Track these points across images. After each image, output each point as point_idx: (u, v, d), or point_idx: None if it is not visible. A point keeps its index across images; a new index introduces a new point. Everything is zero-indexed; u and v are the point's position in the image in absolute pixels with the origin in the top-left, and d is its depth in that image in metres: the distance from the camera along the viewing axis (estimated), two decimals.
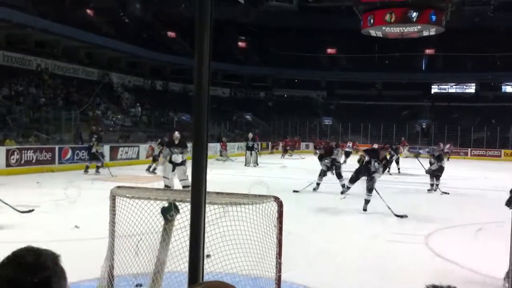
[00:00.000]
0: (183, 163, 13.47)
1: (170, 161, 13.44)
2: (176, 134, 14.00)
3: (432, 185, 16.18)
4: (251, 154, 25.94)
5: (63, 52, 33.84)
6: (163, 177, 13.63)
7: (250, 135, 27.66)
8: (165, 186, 13.25)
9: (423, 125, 47.69)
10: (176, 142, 13.71)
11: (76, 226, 9.19)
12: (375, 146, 20.89)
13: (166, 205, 3.67)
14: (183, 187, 12.84)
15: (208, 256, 3.83)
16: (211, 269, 3.56)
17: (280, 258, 3.84)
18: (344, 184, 14.38)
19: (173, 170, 13.43)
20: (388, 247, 8.18)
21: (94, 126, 25.13)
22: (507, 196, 6.86)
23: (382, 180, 16.75)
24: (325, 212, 11.69)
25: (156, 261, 3.71)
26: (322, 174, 15.34)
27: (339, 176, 15.10)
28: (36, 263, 1.26)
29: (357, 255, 7.66)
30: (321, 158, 15.70)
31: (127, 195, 3.98)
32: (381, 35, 37.65)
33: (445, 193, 15.41)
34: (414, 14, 33.32)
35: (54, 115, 24.59)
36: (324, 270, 6.79)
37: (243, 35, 49.74)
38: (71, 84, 31.41)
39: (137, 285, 4.45)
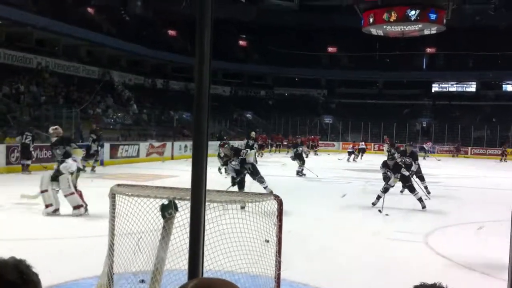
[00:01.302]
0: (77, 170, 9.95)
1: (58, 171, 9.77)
2: (51, 129, 10.34)
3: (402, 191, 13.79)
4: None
5: (63, 50, 33.82)
6: (41, 192, 9.75)
7: (253, 133, 27.57)
8: (49, 210, 9.56)
9: (424, 124, 47.66)
10: (53, 139, 9.99)
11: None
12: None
13: (166, 202, 3.68)
14: (73, 208, 9.52)
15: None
16: (210, 267, 3.57)
17: (279, 256, 3.85)
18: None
19: (54, 179, 9.81)
20: (389, 245, 8.18)
21: (94, 124, 25.17)
22: (507, 194, 6.86)
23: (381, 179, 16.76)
24: (325, 210, 11.69)
25: (156, 258, 3.72)
26: (239, 184, 12.01)
27: (262, 180, 12.24)
28: (22, 278, 1.19)
29: (357, 253, 7.66)
30: (226, 162, 12.84)
31: (127, 193, 3.99)
32: (381, 34, 37.57)
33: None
34: (415, 13, 33.27)
35: (55, 113, 24.58)
36: (324, 268, 6.79)
37: (243, 33, 49.70)
38: (72, 82, 31.41)
39: (140, 281, 4.46)
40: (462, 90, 52.07)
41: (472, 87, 51.62)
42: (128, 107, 33.26)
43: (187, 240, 2.42)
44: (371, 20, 34.93)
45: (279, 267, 3.88)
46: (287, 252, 4.09)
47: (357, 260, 7.26)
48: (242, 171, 12.04)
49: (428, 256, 7.60)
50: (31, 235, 7.97)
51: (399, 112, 46.48)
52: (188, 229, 2.41)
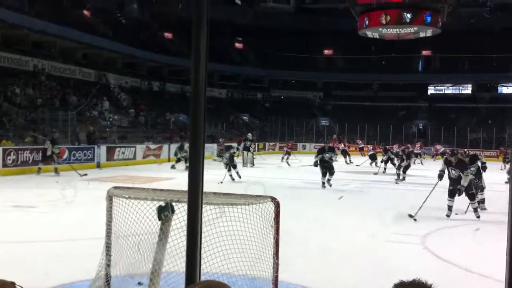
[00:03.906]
0: None
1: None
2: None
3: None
4: (247, 154, 25.94)
5: (60, 53, 33.76)
6: None
7: (249, 135, 27.64)
8: None
9: (420, 126, 47.74)
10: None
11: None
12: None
13: (163, 204, 3.68)
14: None
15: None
16: (208, 270, 3.57)
17: (277, 258, 3.85)
18: None
19: None
20: (386, 247, 8.19)
21: (91, 126, 25.15)
22: (504, 196, 6.88)
23: (379, 181, 16.83)
24: (322, 212, 11.70)
25: (153, 261, 3.71)
26: None
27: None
28: None
29: (355, 256, 7.67)
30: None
31: (124, 195, 3.98)
32: (377, 36, 37.65)
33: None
34: (410, 16, 33.37)
35: (51, 116, 24.54)
36: (322, 270, 6.80)
37: (240, 36, 49.67)
38: (68, 85, 31.35)
39: (138, 283, 4.46)
40: (458, 92, 52.19)
41: (467, 89, 51.74)
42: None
43: (185, 242, 2.42)
44: (367, 22, 35.01)
45: (277, 269, 3.88)
46: (284, 254, 4.09)
47: (354, 262, 7.27)
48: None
49: (426, 258, 7.61)
50: (28, 238, 7.95)
51: (395, 114, 46.57)
52: (185, 231, 2.41)
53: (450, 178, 11.28)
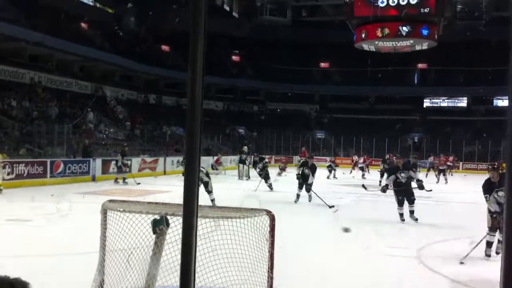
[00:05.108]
0: None
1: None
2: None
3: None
4: (243, 167, 25.89)
5: (56, 66, 33.77)
6: None
7: (245, 148, 27.58)
8: None
9: (415, 139, 47.84)
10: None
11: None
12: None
13: (158, 218, 3.66)
14: None
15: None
16: (202, 283, 3.54)
17: (272, 272, 3.83)
18: None
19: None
20: (381, 261, 8.16)
21: (86, 139, 25.09)
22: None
23: (375, 194, 16.78)
24: (317, 226, 11.68)
25: (147, 275, 3.69)
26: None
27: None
28: None
29: (350, 269, 7.64)
30: None
31: (119, 208, 3.96)
32: (374, 49, 37.91)
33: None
34: (407, 29, 33.62)
35: (47, 129, 24.50)
36: (317, 284, 6.77)
37: (236, 48, 49.89)
38: (65, 97, 31.31)
39: None
40: (454, 105, 52.39)
41: (463, 102, 51.94)
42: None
43: (179, 256, 2.40)
44: (363, 35, 35.28)
45: (272, 283, 3.86)
46: (279, 268, 4.07)
47: (349, 276, 7.24)
48: None
49: (421, 272, 7.59)
50: (23, 252, 7.89)
51: (391, 127, 46.67)
52: (179, 245, 2.39)
53: (497, 203, 8.37)
